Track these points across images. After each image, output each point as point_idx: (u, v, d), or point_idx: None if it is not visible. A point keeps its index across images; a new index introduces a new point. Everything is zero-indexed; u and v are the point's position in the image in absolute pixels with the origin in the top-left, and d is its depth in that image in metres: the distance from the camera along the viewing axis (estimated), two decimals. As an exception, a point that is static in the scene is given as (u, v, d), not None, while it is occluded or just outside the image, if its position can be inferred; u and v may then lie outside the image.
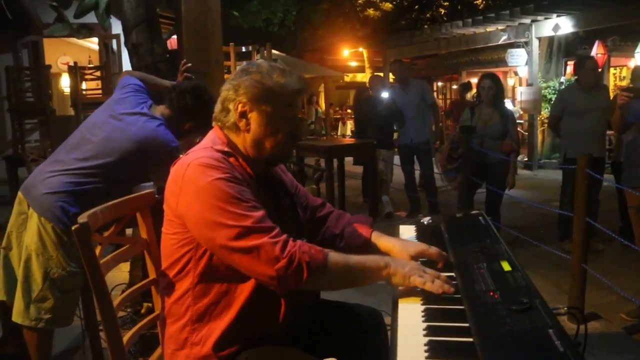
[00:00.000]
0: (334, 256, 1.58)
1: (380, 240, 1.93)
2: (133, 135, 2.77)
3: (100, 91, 8.45)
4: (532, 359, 1.17)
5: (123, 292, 3.04)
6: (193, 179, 1.58)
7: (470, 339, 1.29)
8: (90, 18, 4.13)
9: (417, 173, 7.23)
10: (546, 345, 1.20)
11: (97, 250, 1.80)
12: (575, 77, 5.49)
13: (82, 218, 1.67)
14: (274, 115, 1.70)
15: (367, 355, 1.85)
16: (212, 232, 1.54)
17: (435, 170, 6.93)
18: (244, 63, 1.83)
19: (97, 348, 3.13)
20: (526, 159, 11.45)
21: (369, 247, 1.93)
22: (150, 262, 2.12)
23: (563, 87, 11.62)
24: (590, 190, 5.09)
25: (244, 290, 1.63)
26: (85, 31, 4.21)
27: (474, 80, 11.19)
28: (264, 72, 1.70)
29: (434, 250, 1.82)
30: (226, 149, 1.70)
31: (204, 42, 3.11)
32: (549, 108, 11.51)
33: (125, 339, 1.82)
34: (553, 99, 11.59)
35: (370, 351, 1.85)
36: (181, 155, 1.82)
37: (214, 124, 1.80)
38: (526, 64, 11.62)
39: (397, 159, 7.34)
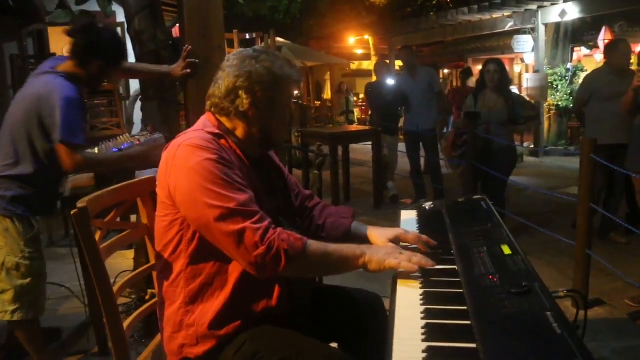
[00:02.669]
0: (313, 244, 1.60)
1: (360, 229, 1.98)
2: (30, 94, 2.75)
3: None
4: (530, 341, 1.16)
5: (127, 278, 3.06)
6: (183, 159, 1.62)
7: (468, 322, 1.29)
8: (92, 5, 4.13)
9: (421, 160, 7.21)
10: (544, 328, 1.19)
11: (97, 236, 1.80)
12: (605, 61, 5.26)
13: (82, 203, 1.67)
14: (279, 103, 1.77)
15: (368, 339, 1.85)
16: (198, 212, 1.57)
17: (441, 157, 6.91)
18: (243, 50, 1.82)
19: (101, 334, 3.16)
20: (532, 146, 11.40)
21: (349, 237, 1.97)
22: (151, 247, 2.12)
23: (572, 72, 11.56)
24: (615, 179, 5.02)
25: (235, 271, 1.65)
26: (87, 18, 4.20)
27: (479, 68, 11.13)
28: (273, 61, 1.74)
29: (411, 235, 1.84)
30: (217, 131, 1.74)
31: (206, 28, 3.08)
32: (555, 95, 11.47)
33: (125, 324, 1.83)
34: (559, 85, 11.53)
35: (371, 335, 1.85)
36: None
37: (209, 108, 1.80)
38: (532, 50, 11.54)
39: (401, 146, 7.31)
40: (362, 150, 8.66)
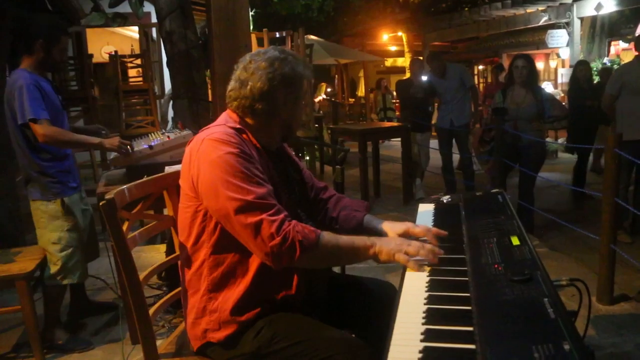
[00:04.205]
0: (326, 236, 1.68)
1: (373, 222, 2.04)
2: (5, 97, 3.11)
3: (141, 79, 8.63)
4: (524, 325, 1.20)
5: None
6: (206, 152, 1.71)
7: (469, 308, 1.34)
8: (125, 7, 4.27)
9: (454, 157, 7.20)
10: (539, 313, 1.23)
11: (125, 226, 1.90)
12: (636, 54, 5.11)
13: (109, 195, 1.77)
14: (301, 99, 1.89)
15: (381, 327, 1.90)
16: (218, 203, 1.66)
17: (472, 154, 6.89)
18: (267, 51, 1.88)
19: (132, 321, 3.29)
20: (567, 142, 11.21)
21: (361, 229, 2.04)
22: (176, 238, 2.22)
23: (606, 66, 11.33)
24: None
25: (255, 260, 1.73)
26: (120, 20, 4.35)
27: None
28: (296, 62, 1.85)
29: (419, 228, 1.89)
30: (238, 126, 1.83)
31: (232, 27, 3.17)
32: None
33: (151, 311, 1.92)
34: (595, 80, 11.33)
35: (385, 323, 1.90)
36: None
37: (234, 108, 1.87)
38: (567, 45, 11.37)
39: (433, 143, 7.30)
40: (395, 146, 8.67)
